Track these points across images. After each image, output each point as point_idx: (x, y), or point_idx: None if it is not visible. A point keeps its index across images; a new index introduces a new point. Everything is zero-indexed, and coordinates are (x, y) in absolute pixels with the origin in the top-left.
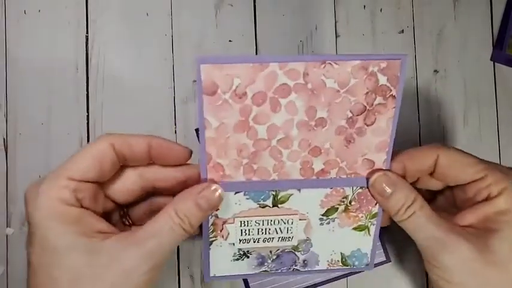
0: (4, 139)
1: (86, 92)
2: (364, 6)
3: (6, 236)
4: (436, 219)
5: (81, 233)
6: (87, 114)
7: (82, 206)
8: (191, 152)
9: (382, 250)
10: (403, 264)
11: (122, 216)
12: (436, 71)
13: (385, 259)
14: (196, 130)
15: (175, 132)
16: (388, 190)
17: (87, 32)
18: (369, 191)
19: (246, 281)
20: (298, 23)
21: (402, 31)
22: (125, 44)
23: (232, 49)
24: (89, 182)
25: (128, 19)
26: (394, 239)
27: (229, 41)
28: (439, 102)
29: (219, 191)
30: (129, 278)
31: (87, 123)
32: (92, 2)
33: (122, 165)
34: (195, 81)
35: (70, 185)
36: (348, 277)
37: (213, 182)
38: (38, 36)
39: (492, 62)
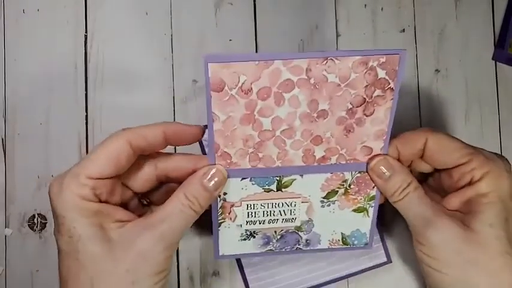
0: (2, 139)
1: (84, 92)
2: (365, 5)
3: (5, 236)
4: (426, 201)
5: (100, 225)
6: (86, 114)
7: (100, 200)
8: (204, 130)
9: (383, 251)
10: (404, 266)
11: (140, 198)
12: (437, 71)
13: (386, 260)
14: None
15: None
16: (387, 173)
17: (86, 31)
18: (368, 174)
19: (245, 282)
20: (298, 22)
21: (403, 30)
22: (124, 43)
23: (232, 48)
24: (106, 178)
25: (127, 18)
26: (396, 240)
27: (229, 40)
28: (440, 102)
29: (222, 170)
30: (145, 258)
31: (86, 123)
32: (90, 1)
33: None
34: (194, 80)
35: (89, 183)
36: (349, 278)
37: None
38: (36, 35)
39: (494, 62)
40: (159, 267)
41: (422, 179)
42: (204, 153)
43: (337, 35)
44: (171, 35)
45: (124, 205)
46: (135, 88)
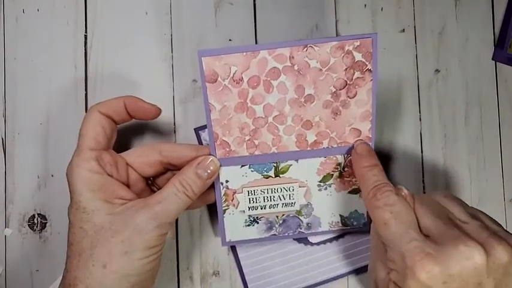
0: (2, 139)
1: (84, 92)
2: (365, 5)
3: (5, 236)
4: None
5: (104, 199)
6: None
7: (107, 173)
8: (160, 110)
9: None
10: None
11: (150, 184)
12: (437, 71)
13: None
14: (196, 130)
15: (175, 131)
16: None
17: (85, 31)
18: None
19: (244, 282)
20: (298, 22)
21: (403, 30)
22: (123, 43)
23: None
24: (103, 148)
25: (126, 18)
26: None
27: (229, 40)
28: (440, 102)
29: (215, 161)
30: (140, 232)
31: None
32: (90, 1)
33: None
34: (194, 80)
35: (92, 155)
36: (348, 276)
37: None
38: (36, 35)
39: (493, 62)
40: (151, 243)
41: None
42: None
43: (337, 35)
44: (171, 35)
45: (132, 188)
46: (135, 88)
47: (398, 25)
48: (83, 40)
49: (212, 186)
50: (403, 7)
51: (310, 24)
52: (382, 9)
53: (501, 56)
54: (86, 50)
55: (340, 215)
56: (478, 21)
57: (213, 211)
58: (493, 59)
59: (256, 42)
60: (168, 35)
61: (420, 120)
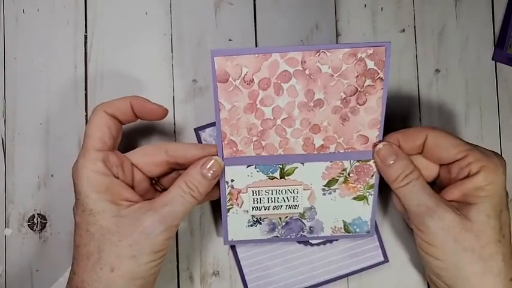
0: (2, 139)
1: (84, 92)
2: (365, 5)
3: (5, 236)
4: (429, 190)
5: (110, 200)
6: (85, 114)
7: (113, 174)
8: (167, 110)
9: (380, 250)
10: (402, 265)
11: (154, 184)
12: (437, 71)
13: (383, 259)
14: (196, 130)
15: (175, 131)
16: (390, 159)
17: (85, 32)
18: (373, 158)
19: (244, 282)
20: (298, 22)
21: (403, 30)
22: (123, 43)
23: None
24: (109, 149)
25: (126, 18)
26: (392, 239)
27: (229, 40)
28: (440, 102)
29: (218, 161)
30: (148, 235)
31: (86, 123)
32: (90, 1)
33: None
34: (194, 80)
35: (98, 156)
36: (349, 277)
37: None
38: (36, 35)
39: (493, 62)
40: (158, 247)
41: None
42: None
43: (337, 35)
44: (171, 35)
45: (136, 189)
46: (135, 88)
47: (398, 25)
48: (83, 40)
49: (217, 185)
50: (403, 7)
51: (310, 24)
52: (382, 9)
53: (501, 56)
54: (86, 50)
55: (344, 221)
56: (478, 21)
57: (216, 210)
58: (493, 59)
59: (256, 42)
60: (168, 35)
61: (420, 120)
